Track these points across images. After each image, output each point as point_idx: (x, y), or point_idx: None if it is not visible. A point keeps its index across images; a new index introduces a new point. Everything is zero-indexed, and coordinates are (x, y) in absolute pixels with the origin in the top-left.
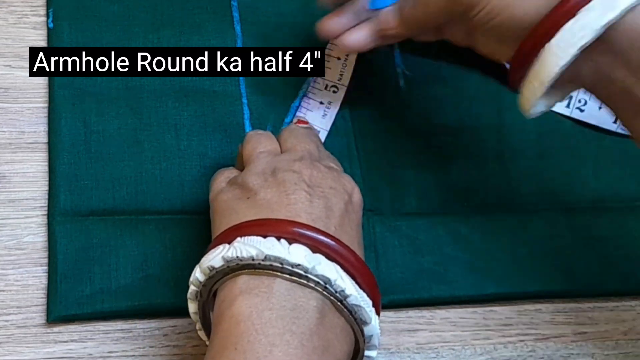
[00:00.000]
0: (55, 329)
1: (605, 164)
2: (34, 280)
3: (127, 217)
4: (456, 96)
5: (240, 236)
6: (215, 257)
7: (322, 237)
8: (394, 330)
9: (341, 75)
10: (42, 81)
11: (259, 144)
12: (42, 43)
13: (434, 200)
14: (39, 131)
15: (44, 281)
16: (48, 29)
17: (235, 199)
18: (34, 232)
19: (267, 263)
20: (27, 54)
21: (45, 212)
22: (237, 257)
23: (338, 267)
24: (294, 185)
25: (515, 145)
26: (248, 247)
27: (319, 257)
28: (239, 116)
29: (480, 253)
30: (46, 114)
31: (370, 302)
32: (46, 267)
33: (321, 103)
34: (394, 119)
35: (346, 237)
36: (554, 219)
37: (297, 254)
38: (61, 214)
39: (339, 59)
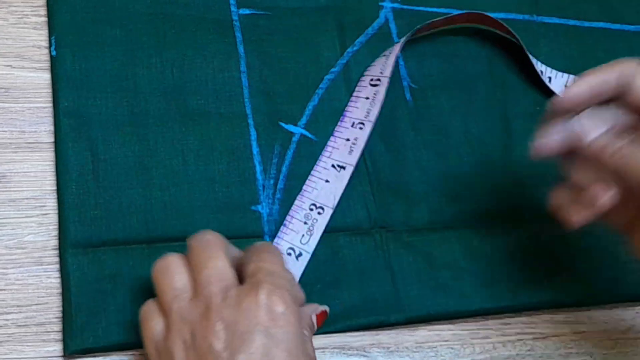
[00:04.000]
0: (56, 327)
1: None
2: (34, 279)
3: (138, 246)
4: (463, 107)
5: None
6: None
7: None
8: (393, 329)
9: (368, 112)
10: (43, 81)
11: (170, 289)
12: (43, 43)
13: (445, 214)
14: (40, 131)
15: (44, 280)
16: (51, 57)
17: None
18: (34, 232)
19: None
20: (27, 54)
21: (46, 212)
22: None
23: None
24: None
25: (524, 154)
26: None
27: None
28: (246, 138)
29: (494, 265)
30: (47, 114)
31: None
32: (47, 267)
33: (347, 140)
34: (402, 133)
35: None
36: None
37: None
38: (72, 247)
39: (367, 98)
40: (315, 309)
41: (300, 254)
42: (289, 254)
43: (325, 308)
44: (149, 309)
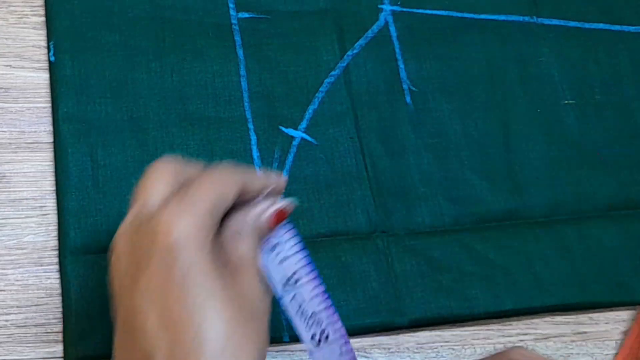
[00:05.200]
0: (56, 328)
1: (614, 169)
2: (34, 280)
3: None
4: (462, 110)
5: None
6: None
7: None
8: (394, 330)
9: None
10: (42, 81)
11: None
12: (42, 43)
13: (446, 217)
14: (39, 131)
15: (44, 281)
16: (50, 62)
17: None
18: (34, 232)
19: None
20: (27, 54)
21: (45, 212)
22: None
23: None
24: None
25: (524, 156)
26: None
27: None
28: (246, 142)
29: (496, 268)
30: (46, 114)
31: None
32: (46, 267)
33: None
34: (402, 136)
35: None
36: (566, 231)
37: None
38: (72, 253)
39: None
40: (265, 209)
41: None
42: None
43: (283, 205)
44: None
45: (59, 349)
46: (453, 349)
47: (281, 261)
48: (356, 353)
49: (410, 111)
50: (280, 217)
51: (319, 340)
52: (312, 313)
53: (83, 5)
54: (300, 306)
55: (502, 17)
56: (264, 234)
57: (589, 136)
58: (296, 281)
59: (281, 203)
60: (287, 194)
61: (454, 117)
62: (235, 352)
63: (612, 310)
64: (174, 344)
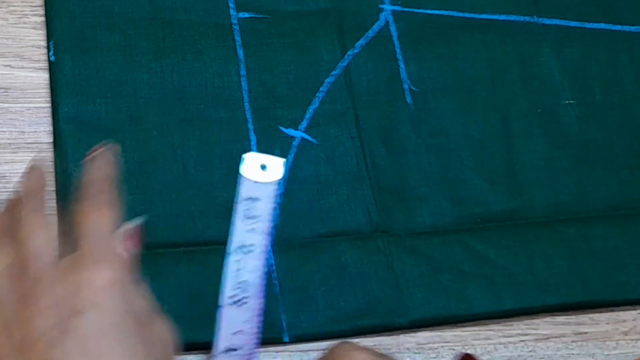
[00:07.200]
0: None
1: (614, 169)
2: None
3: None
4: (463, 110)
5: None
6: None
7: None
8: (394, 331)
9: None
10: (42, 81)
11: None
12: (42, 43)
13: (447, 217)
14: (39, 131)
15: None
16: (50, 62)
17: None
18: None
19: None
20: (27, 54)
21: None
22: None
23: None
24: None
25: (524, 156)
26: None
27: None
28: (246, 143)
29: (497, 268)
30: (46, 114)
31: None
32: None
33: None
34: (403, 136)
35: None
36: (567, 230)
37: None
38: None
39: None
40: (122, 234)
41: None
42: None
43: (134, 224)
44: None
45: None
46: (453, 350)
47: (249, 230)
48: None
49: (411, 111)
50: (135, 242)
51: (237, 302)
52: (244, 281)
53: (83, 5)
54: (238, 269)
55: (502, 17)
56: (132, 261)
57: (589, 136)
58: (249, 251)
59: (128, 227)
60: (287, 195)
61: (454, 117)
62: None
63: (612, 311)
64: None
